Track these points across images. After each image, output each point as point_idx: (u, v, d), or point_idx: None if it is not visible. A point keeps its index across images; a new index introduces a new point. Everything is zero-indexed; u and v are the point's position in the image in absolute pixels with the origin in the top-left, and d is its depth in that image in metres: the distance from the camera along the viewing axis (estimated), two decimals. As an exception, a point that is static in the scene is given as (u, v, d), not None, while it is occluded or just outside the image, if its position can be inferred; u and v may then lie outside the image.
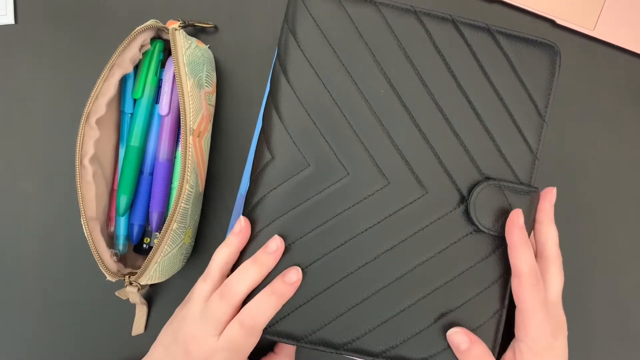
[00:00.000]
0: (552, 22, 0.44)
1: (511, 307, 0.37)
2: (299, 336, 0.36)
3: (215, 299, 0.35)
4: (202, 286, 0.35)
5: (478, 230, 0.37)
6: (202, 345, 0.34)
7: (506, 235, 0.36)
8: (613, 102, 0.45)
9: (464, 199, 0.37)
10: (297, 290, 0.36)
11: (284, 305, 0.36)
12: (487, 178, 0.37)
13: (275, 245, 0.35)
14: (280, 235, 0.36)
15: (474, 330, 0.36)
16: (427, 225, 0.37)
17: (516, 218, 0.35)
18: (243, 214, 0.37)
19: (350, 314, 0.36)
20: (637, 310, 0.45)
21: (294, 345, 0.36)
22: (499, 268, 0.37)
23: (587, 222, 0.45)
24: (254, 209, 0.36)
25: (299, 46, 0.36)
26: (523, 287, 0.35)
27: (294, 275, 0.35)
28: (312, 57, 0.36)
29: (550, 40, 0.37)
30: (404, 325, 0.36)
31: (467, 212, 0.37)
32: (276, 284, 0.35)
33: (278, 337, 0.36)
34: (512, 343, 0.36)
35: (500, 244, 0.37)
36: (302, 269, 0.36)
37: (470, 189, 0.37)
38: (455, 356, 0.36)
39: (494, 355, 0.37)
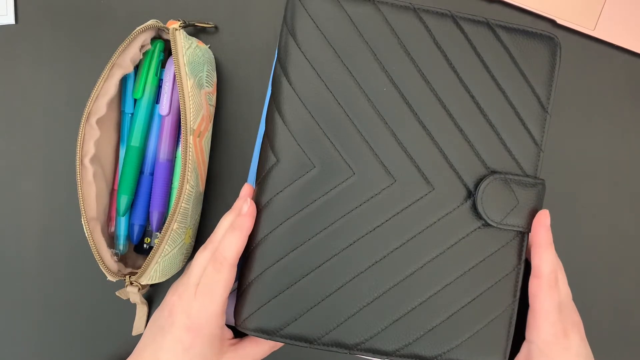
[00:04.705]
0: (552, 22, 0.44)
1: (521, 309, 0.37)
2: (312, 338, 0.36)
3: (210, 270, 0.36)
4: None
5: (486, 225, 0.37)
6: (184, 300, 0.36)
7: (532, 234, 0.36)
8: (613, 102, 0.45)
9: (470, 194, 0.37)
10: (308, 293, 0.36)
11: (295, 308, 0.36)
12: (493, 172, 0.37)
13: (246, 207, 0.36)
14: (289, 237, 0.36)
15: (486, 325, 0.36)
16: (435, 222, 0.37)
17: (543, 218, 0.36)
18: None
19: (362, 314, 0.36)
20: (638, 311, 0.45)
21: (307, 347, 0.36)
22: (510, 261, 0.37)
23: (586, 221, 0.45)
24: (260, 213, 0.36)
25: (299, 47, 0.36)
26: (541, 288, 0.35)
27: (245, 206, 0.36)
28: (312, 58, 0.36)
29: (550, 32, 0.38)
30: (416, 323, 0.36)
31: (474, 207, 0.37)
32: (234, 219, 0.36)
33: (290, 340, 0.36)
34: (523, 345, 0.36)
35: (509, 237, 0.37)
36: (312, 271, 0.36)
37: (477, 184, 0.37)
38: (468, 354, 0.36)
39: (505, 350, 0.37)
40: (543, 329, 0.35)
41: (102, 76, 0.38)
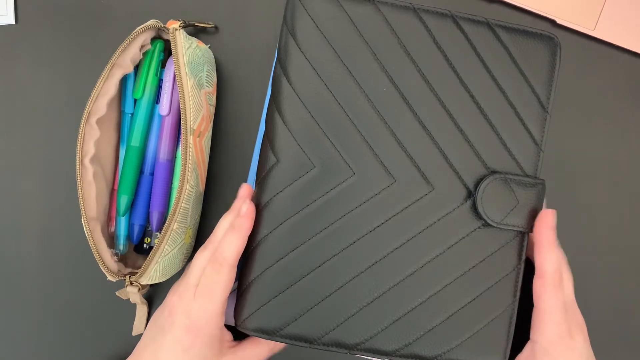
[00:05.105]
0: (552, 22, 0.44)
1: (525, 308, 0.37)
2: (312, 338, 0.36)
3: (209, 270, 0.36)
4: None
5: (486, 225, 0.37)
6: (184, 301, 0.36)
7: (535, 234, 0.36)
8: (613, 102, 0.45)
9: (470, 194, 0.37)
10: (308, 293, 0.36)
11: (295, 308, 0.36)
12: (493, 172, 0.37)
13: (245, 207, 0.36)
14: (289, 237, 0.36)
15: (486, 325, 0.37)
16: (435, 222, 0.37)
17: (547, 218, 0.36)
18: None
19: (362, 314, 0.36)
20: (638, 311, 0.45)
21: (307, 347, 0.36)
22: (510, 261, 0.37)
23: (586, 221, 0.45)
24: (260, 213, 0.36)
25: (299, 47, 0.36)
26: (545, 288, 0.35)
27: (244, 207, 0.36)
28: (312, 58, 0.36)
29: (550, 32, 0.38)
30: (416, 323, 0.36)
31: (474, 207, 0.37)
32: (233, 219, 0.36)
33: (290, 340, 0.36)
34: (527, 345, 0.36)
35: (509, 237, 0.37)
36: (312, 271, 0.36)
37: (477, 184, 0.37)
38: (468, 354, 0.36)
39: (505, 350, 0.37)
40: (548, 328, 0.35)
41: (102, 76, 0.38)
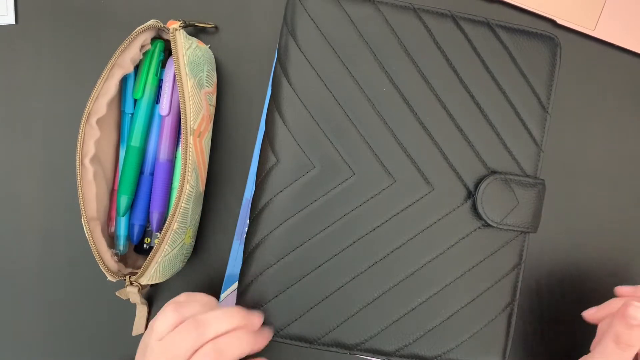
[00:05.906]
0: (552, 22, 0.44)
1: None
2: (312, 338, 0.36)
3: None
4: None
5: (486, 225, 0.37)
6: None
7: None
8: (613, 102, 0.45)
9: (470, 194, 0.37)
10: (308, 293, 0.36)
11: (295, 308, 0.36)
12: (493, 172, 0.37)
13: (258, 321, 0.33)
14: (289, 238, 0.36)
15: (486, 325, 0.37)
16: (435, 222, 0.37)
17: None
18: (250, 219, 0.37)
19: (362, 314, 0.36)
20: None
21: (307, 347, 0.36)
22: (509, 261, 0.37)
23: (586, 221, 0.45)
24: (260, 213, 0.36)
25: (299, 48, 0.36)
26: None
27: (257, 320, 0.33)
28: (312, 58, 0.36)
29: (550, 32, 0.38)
30: (416, 323, 0.36)
31: (474, 207, 0.37)
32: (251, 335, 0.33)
33: (290, 340, 0.36)
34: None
35: (509, 237, 0.37)
36: (312, 271, 0.36)
37: (477, 184, 0.37)
38: (468, 354, 0.36)
39: (505, 350, 0.37)
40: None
41: (102, 76, 0.37)
